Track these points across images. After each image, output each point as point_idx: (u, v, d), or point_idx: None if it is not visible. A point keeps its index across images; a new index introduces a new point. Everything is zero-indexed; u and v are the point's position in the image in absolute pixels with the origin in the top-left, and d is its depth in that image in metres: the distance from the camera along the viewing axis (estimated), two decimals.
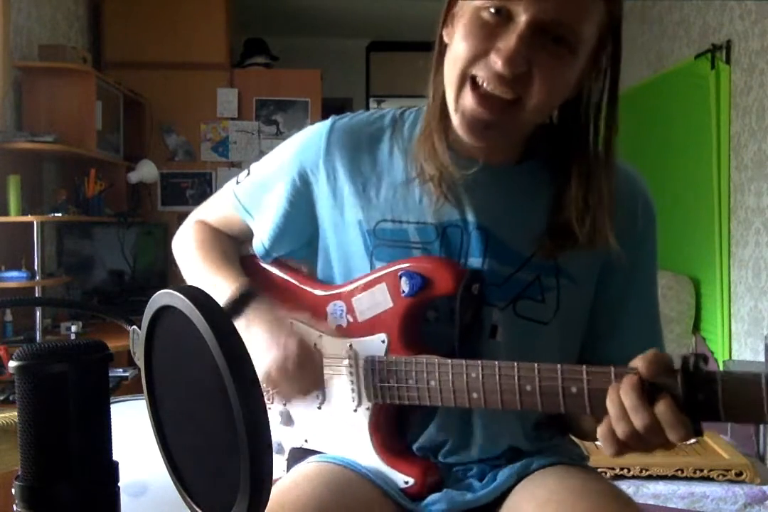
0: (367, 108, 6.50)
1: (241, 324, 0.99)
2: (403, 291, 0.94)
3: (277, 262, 1.11)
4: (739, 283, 3.11)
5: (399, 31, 5.89)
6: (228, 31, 4.41)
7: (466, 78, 0.87)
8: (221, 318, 0.50)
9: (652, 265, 1.05)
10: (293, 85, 4.50)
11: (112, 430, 0.54)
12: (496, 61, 0.84)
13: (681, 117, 3.57)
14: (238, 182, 1.12)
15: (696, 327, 3.40)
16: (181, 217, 1.23)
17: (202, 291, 0.52)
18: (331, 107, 5.12)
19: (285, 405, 1.06)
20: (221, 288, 1.03)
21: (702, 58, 3.33)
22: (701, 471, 2.20)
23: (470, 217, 0.97)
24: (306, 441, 1.05)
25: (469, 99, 0.87)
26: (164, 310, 0.54)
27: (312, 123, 1.07)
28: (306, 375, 0.99)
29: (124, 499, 0.54)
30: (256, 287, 1.03)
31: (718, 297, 3.19)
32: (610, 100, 0.93)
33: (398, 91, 6.64)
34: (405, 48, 6.06)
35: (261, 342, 0.98)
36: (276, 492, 0.89)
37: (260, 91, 4.48)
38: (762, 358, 2.71)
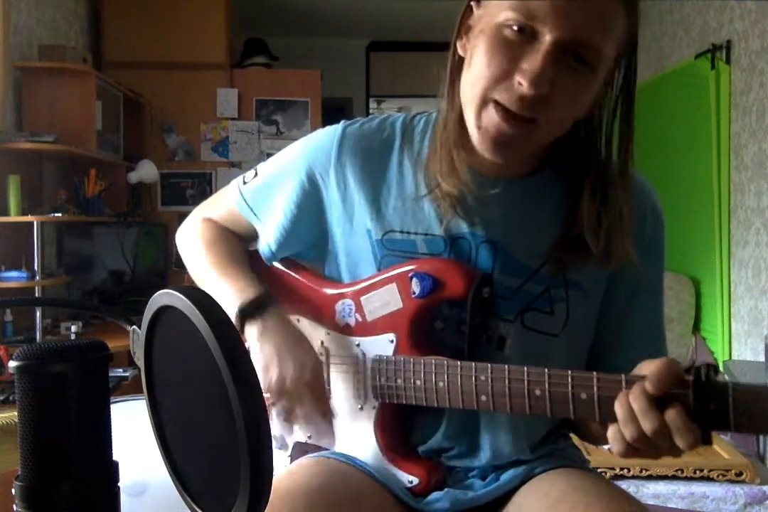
0: (367, 108, 6.50)
1: (253, 333, 0.99)
2: (414, 293, 0.94)
3: (286, 259, 1.10)
4: (739, 283, 3.11)
5: (399, 31, 5.89)
6: (228, 31, 4.41)
7: (488, 101, 0.85)
8: (221, 319, 0.50)
9: (659, 274, 1.04)
10: (293, 85, 4.50)
11: (112, 430, 0.54)
12: (521, 82, 0.82)
13: (681, 117, 3.57)
14: (245, 182, 1.11)
15: (696, 327, 3.40)
16: (182, 217, 1.23)
17: (202, 292, 0.52)
18: (331, 107, 5.13)
19: (284, 403, 1.06)
20: (232, 293, 1.02)
21: (702, 58, 3.33)
22: (701, 471, 2.20)
23: (479, 230, 0.96)
24: (309, 437, 1.06)
25: (492, 115, 0.85)
26: (164, 310, 0.54)
27: (312, 123, 1.07)
28: (315, 394, 1.00)
29: (124, 499, 0.54)
30: (269, 295, 1.02)
31: (718, 297, 3.19)
32: (625, 112, 0.92)
33: (398, 91, 6.65)
34: (405, 48, 6.07)
35: (275, 353, 0.98)
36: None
37: (260, 91, 4.48)
38: (762, 358, 2.71)
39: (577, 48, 0.83)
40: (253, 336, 0.99)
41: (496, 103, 0.85)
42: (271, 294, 1.03)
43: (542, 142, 0.90)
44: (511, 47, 0.84)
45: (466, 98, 0.89)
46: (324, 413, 1.02)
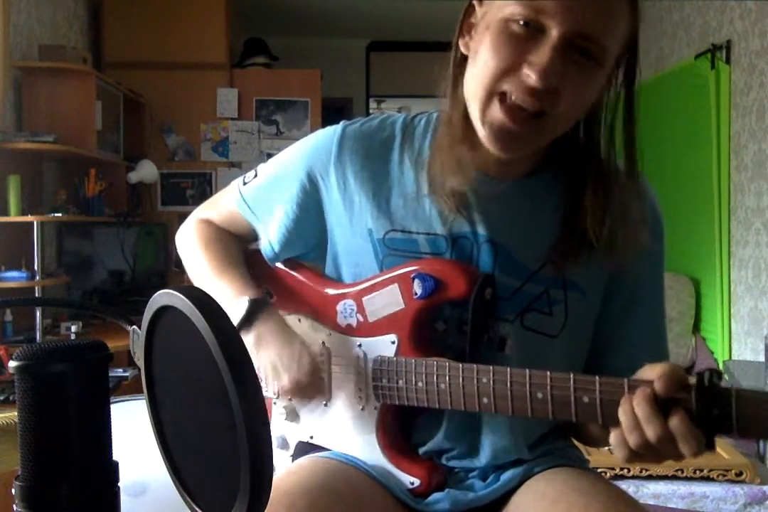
0: (367, 108, 6.50)
1: (250, 336, 1.00)
2: (416, 294, 0.93)
3: (288, 259, 1.10)
4: (739, 283, 3.11)
5: (399, 31, 5.89)
6: (228, 31, 4.41)
7: (494, 93, 0.86)
8: (221, 318, 0.50)
9: (659, 276, 1.04)
10: (293, 85, 4.50)
11: (112, 430, 0.54)
12: (530, 75, 0.83)
13: (681, 117, 3.57)
14: (245, 183, 1.11)
15: (696, 327, 3.40)
16: (181, 217, 1.23)
17: (203, 292, 0.52)
18: (331, 107, 5.14)
19: (291, 400, 1.07)
20: (229, 296, 1.03)
21: (702, 58, 3.33)
22: (701, 471, 2.20)
23: (480, 230, 0.96)
24: (311, 437, 1.06)
25: (497, 111, 0.86)
26: (164, 310, 0.54)
27: (312, 123, 1.07)
28: (314, 387, 1.02)
29: (124, 499, 0.54)
30: (265, 298, 1.03)
31: (718, 297, 3.19)
32: (628, 112, 0.92)
33: (398, 91, 6.65)
34: (405, 48, 6.07)
35: (273, 355, 1.00)
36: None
37: (260, 91, 4.48)
38: (762, 358, 2.71)
39: (583, 43, 0.83)
40: (249, 341, 0.99)
41: (502, 97, 0.85)
42: (267, 296, 1.04)
43: (548, 138, 0.91)
44: (518, 40, 0.84)
45: (471, 93, 0.89)
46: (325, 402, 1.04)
